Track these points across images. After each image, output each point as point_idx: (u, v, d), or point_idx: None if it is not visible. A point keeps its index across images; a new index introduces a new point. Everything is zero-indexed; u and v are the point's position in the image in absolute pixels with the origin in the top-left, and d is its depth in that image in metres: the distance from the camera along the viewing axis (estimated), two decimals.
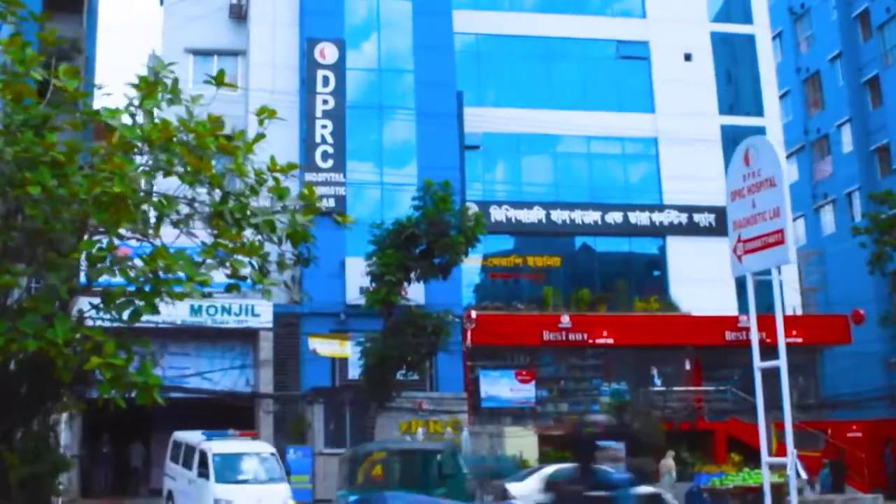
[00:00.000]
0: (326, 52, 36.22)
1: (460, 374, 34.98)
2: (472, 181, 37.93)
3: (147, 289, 11.26)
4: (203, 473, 25.21)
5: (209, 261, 12.60)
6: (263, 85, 36.39)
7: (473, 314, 34.84)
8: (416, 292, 32.59)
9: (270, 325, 33.02)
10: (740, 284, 39.25)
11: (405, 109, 36.86)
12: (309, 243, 13.26)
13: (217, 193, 12.94)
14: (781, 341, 14.86)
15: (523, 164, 39.65)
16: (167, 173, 11.65)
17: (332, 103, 35.87)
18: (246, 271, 12.93)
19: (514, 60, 40.50)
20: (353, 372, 32.11)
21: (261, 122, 14.49)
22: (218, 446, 25.75)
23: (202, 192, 13.15)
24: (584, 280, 39.20)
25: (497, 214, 37.88)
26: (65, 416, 29.21)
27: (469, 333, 34.64)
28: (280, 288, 13.67)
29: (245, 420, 34.00)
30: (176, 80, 13.49)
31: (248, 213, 12.89)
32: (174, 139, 12.46)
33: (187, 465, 26.16)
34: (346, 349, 31.25)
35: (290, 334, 33.41)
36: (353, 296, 33.68)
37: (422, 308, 31.40)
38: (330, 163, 35.33)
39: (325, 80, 36.04)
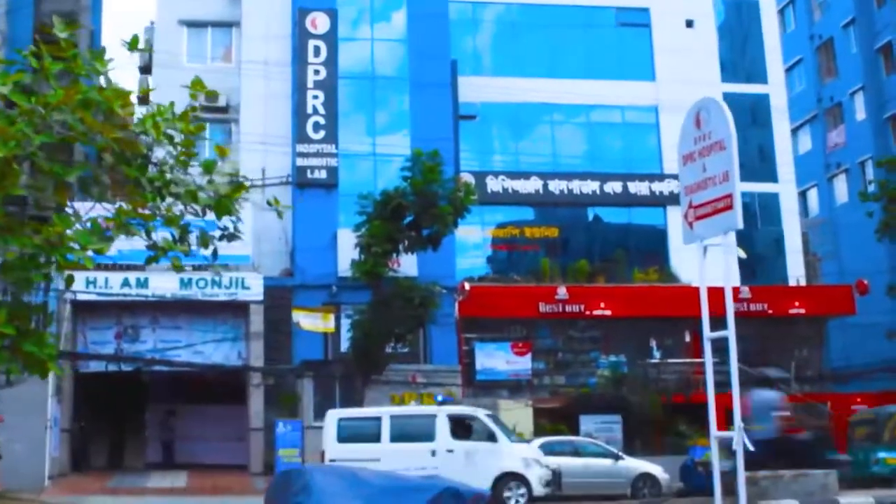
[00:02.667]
0: (318, 22, 35.76)
1: (454, 347, 34.59)
2: (469, 151, 37.39)
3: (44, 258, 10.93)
4: (487, 437, 24.03)
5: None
6: (257, 56, 36.09)
7: (467, 286, 34.37)
8: (409, 264, 32.24)
9: (261, 298, 32.72)
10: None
11: (398, 79, 36.39)
12: (233, 216, 12.83)
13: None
14: (730, 311, 14.45)
15: (521, 134, 39.08)
16: (69, 138, 11.25)
17: (323, 74, 35.42)
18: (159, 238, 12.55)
19: (512, 29, 39.88)
20: (346, 345, 31.84)
21: (193, 96, 14.02)
22: (481, 411, 25.06)
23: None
24: (583, 251, 38.66)
25: (494, 185, 37.37)
26: (50, 389, 29.30)
27: (457, 305, 34.19)
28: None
29: (237, 393, 33.85)
30: (103, 49, 13.04)
31: (170, 182, 12.52)
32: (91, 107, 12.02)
33: (423, 437, 24.04)
34: (330, 323, 30.89)
35: (281, 307, 33.06)
36: (346, 268, 33.24)
37: (413, 280, 31.06)
38: (322, 134, 34.93)
39: (317, 51, 35.60)
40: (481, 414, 24.40)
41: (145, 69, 40.20)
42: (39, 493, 26.76)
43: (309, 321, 30.56)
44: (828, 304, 38.57)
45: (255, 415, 32.56)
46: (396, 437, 24.06)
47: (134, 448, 37.22)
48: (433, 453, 23.55)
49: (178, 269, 12.72)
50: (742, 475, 13.73)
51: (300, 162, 34.72)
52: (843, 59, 51.60)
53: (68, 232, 11.23)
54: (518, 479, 23.39)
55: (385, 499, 11.48)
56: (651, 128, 38.97)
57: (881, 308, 40.50)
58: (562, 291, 35.59)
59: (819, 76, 53.52)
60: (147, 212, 12.30)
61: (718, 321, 36.75)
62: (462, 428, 24.17)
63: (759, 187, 40.40)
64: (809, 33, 53.85)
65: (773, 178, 40.56)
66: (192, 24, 37.69)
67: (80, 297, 31.53)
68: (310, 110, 35.09)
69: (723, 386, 35.64)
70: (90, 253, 10.80)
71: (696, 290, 33.46)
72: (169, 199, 12.55)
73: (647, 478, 28.03)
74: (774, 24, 42.27)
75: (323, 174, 34.71)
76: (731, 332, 14.07)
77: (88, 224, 11.66)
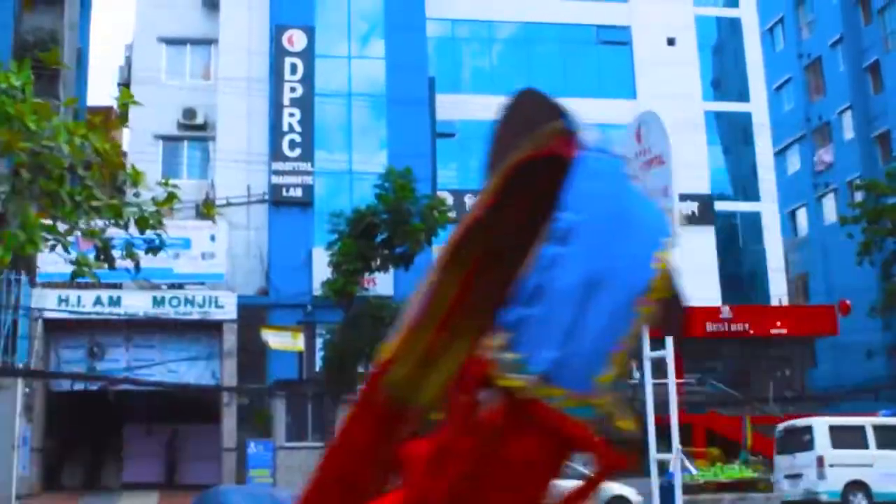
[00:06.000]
0: (294, 39, 35.59)
1: None
2: (447, 169, 37.09)
3: None
4: None
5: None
6: (234, 73, 35.87)
7: None
8: (385, 283, 32.00)
9: (234, 317, 32.47)
10: (724, 275, 38.46)
11: (376, 97, 36.20)
12: (159, 230, 12.70)
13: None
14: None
15: None
16: None
17: (300, 91, 35.23)
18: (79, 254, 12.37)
19: (491, 46, 39.73)
20: (320, 364, 31.57)
21: (122, 107, 13.87)
22: None
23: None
24: None
25: (472, 204, 37.00)
26: (18, 408, 29.05)
27: None
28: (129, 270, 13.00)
29: (211, 412, 33.55)
30: (25, 62, 12.86)
31: (90, 196, 12.35)
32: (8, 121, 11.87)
33: None
34: (300, 342, 30.59)
35: (255, 326, 32.75)
36: (321, 287, 33.03)
37: (387, 299, 30.76)
38: (297, 152, 34.70)
39: (293, 68, 35.40)
40: None
41: (124, 86, 39.99)
42: None
43: (277, 340, 30.25)
44: (811, 324, 38.24)
45: (228, 434, 32.23)
46: (882, 445, 25.81)
47: (112, 468, 36.86)
48: None
49: (95, 283, 12.56)
50: (680, 498, 13.44)
51: (276, 180, 34.49)
52: (831, 78, 51.42)
53: None
54: None
55: None
56: None
57: (872, 327, 40.15)
58: None
59: (808, 95, 53.30)
60: (65, 227, 12.18)
61: (702, 343, 36.21)
62: None
63: (742, 206, 40.18)
64: (798, 52, 53.66)
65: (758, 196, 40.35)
66: (171, 42, 37.51)
67: (52, 315, 31.38)
68: (286, 128, 34.88)
69: (700, 406, 35.32)
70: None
71: None
72: (93, 215, 12.38)
73: (620, 500, 27.61)
74: (757, 42, 41.96)
75: (298, 192, 34.49)
76: (669, 353, 13.73)
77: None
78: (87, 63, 45.87)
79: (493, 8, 39.50)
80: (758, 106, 40.85)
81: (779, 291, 39.00)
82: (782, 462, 26.95)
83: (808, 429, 26.46)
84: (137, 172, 12.62)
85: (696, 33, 40.59)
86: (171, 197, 12.86)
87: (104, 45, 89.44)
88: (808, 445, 26.10)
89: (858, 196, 44.87)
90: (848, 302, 36.90)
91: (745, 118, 40.73)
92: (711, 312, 36.10)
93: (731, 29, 41.90)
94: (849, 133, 49.67)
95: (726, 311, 36.32)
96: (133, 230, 12.71)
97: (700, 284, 36.40)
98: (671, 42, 39.93)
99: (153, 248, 13.00)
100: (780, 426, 27.61)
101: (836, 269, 47.10)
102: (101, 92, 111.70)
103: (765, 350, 37.81)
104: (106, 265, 12.63)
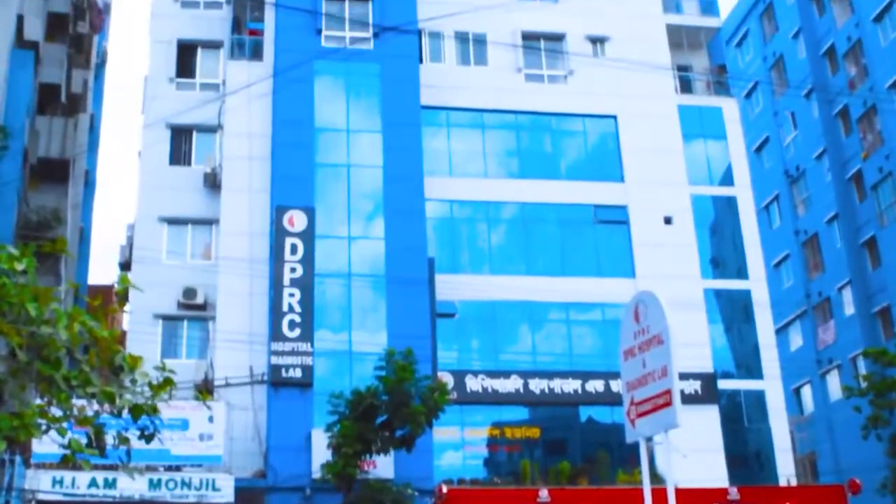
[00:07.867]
0: (295, 220, 35.96)
1: None
2: (447, 350, 36.92)
3: None
4: None
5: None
6: (235, 253, 36.07)
7: (444, 488, 33.44)
8: (385, 466, 31.63)
9: (231, 500, 31.85)
10: (730, 455, 37.83)
11: (375, 277, 36.36)
12: (154, 417, 12.60)
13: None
14: None
15: (500, 332, 38.60)
16: None
17: (299, 271, 35.38)
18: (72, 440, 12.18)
19: (491, 226, 40.07)
20: None
21: (119, 291, 13.95)
22: None
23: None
24: (565, 451, 37.83)
25: (473, 384, 36.76)
26: None
27: None
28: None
29: None
30: (28, 247, 12.96)
31: (86, 382, 12.28)
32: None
33: None
34: None
35: None
36: (320, 469, 32.56)
37: (387, 482, 30.36)
38: (297, 332, 34.61)
39: (294, 248, 35.64)
40: None
41: (125, 265, 40.26)
42: None
43: None
44: None
45: None
46: None
47: None
48: None
49: (87, 466, 12.43)
50: None
51: (275, 360, 34.29)
52: (829, 254, 51.87)
53: None
54: None
55: None
56: None
57: None
58: (544, 494, 34.51)
59: (806, 271, 53.65)
60: (59, 413, 12.09)
61: None
62: None
63: (746, 384, 39.84)
64: (794, 229, 54.28)
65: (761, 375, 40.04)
66: (172, 221, 37.87)
67: (46, 497, 30.86)
68: (286, 308, 34.88)
69: None
70: None
71: (682, 491, 32.73)
72: (84, 399, 12.27)
73: None
74: (753, 220, 42.28)
75: (298, 373, 34.25)
76: None
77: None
78: (90, 242, 46.37)
79: (493, 189, 40.05)
80: (757, 283, 40.84)
81: (787, 471, 38.24)
82: None
83: None
84: (135, 358, 12.57)
85: (693, 212, 40.90)
86: (167, 382, 12.82)
87: (106, 223, 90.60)
88: None
89: (864, 366, 44.70)
90: (858, 481, 36.12)
91: (745, 296, 40.73)
92: (719, 494, 35.34)
93: (727, 207, 42.27)
94: (849, 309, 49.77)
95: (734, 493, 35.50)
96: (126, 414, 12.59)
97: (706, 465, 35.90)
98: (668, 221, 40.29)
99: (147, 436, 12.88)
100: None
101: (845, 447, 46.53)
102: (102, 270, 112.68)
103: None
104: (97, 452, 12.47)
